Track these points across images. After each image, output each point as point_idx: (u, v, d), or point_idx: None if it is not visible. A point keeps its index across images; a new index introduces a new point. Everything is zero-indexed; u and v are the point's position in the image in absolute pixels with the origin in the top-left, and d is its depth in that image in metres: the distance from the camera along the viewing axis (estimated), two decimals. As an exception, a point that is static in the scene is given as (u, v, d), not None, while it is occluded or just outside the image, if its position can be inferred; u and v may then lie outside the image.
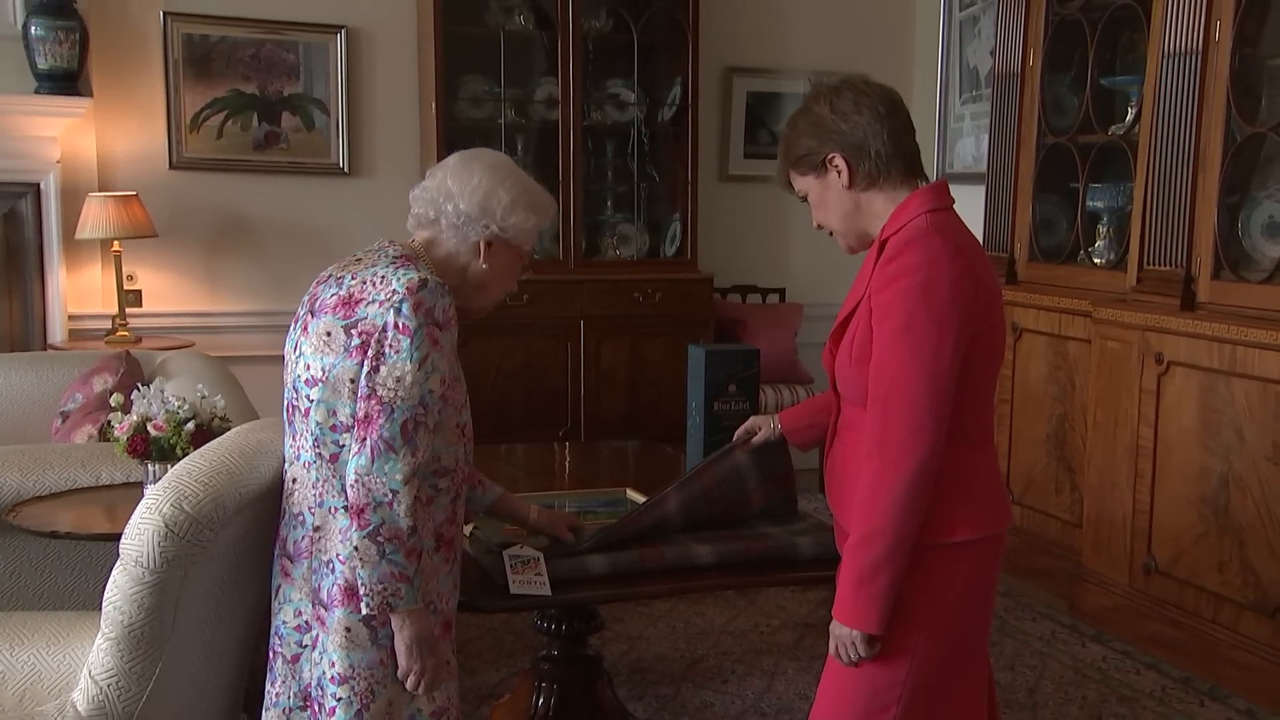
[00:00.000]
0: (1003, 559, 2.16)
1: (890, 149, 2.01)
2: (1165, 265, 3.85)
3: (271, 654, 2.11)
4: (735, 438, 2.61)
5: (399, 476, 1.91)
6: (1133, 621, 3.94)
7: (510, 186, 2.12)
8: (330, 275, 2.07)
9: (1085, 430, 4.21)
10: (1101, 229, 4.45)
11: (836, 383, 2.12)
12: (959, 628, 2.06)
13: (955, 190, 2.07)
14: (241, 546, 2.11)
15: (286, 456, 2.09)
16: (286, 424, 2.08)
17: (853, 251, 2.13)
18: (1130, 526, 3.94)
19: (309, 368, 1.99)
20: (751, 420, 2.61)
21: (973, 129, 5.74)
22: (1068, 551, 4.33)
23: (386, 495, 1.91)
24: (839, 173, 2.03)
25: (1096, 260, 4.43)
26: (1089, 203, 4.46)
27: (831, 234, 2.13)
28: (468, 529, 2.54)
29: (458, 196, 2.09)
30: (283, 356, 2.11)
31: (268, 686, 2.11)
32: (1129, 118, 4.29)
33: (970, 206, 5.43)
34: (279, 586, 2.09)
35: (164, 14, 5.05)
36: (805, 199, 2.11)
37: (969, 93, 5.79)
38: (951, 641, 2.06)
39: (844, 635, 1.99)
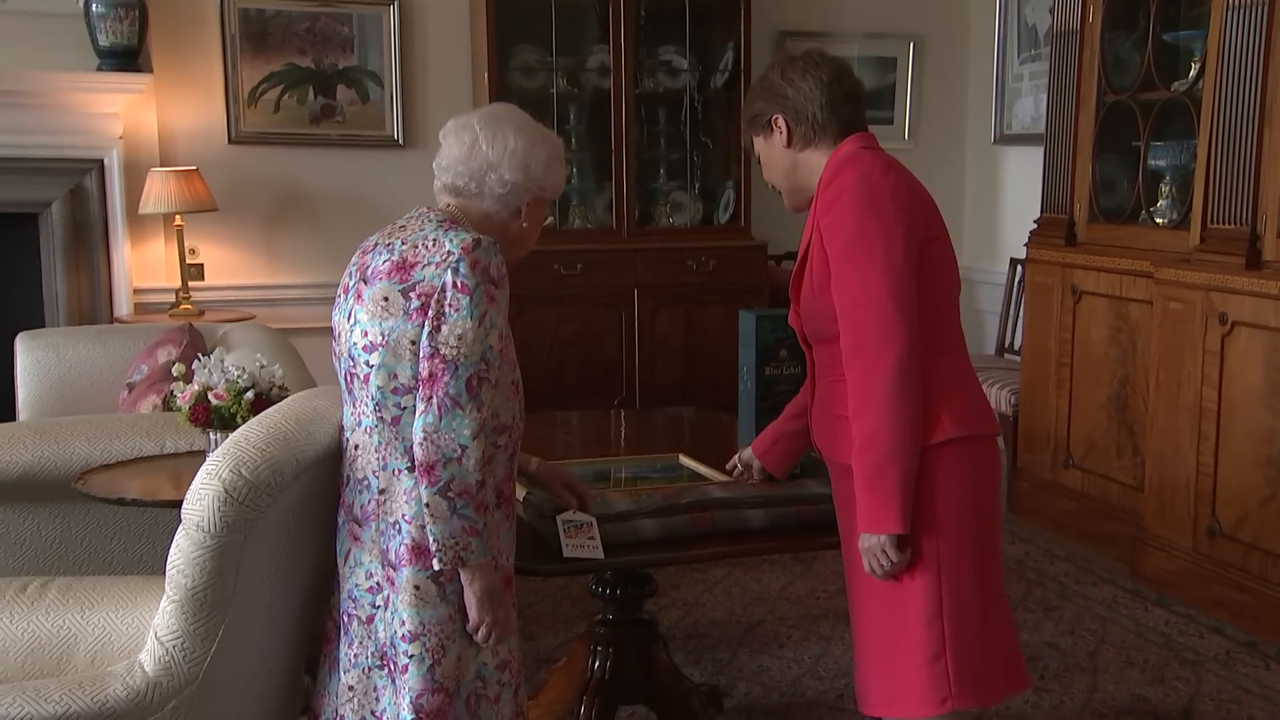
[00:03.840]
0: (1000, 471, 2.28)
1: (826, 114, 2.20)
2: (1230, 224, 3.77)
3: (346, 617, 2.15)
4: (735, 474, 2.68)
5: (467, 431, 1.94)
6: (1196, 585, 3.89)
7: (540, 144, 2.15)
8: (376, 243, 2.09)
9: (1147, 393, 4.15)
10: (1164, 188, 4.36)
11: (806, 332, 2.27)
12: (975, 530, 2.14)
13: (1014, 151, 2.13)
14: (300, 511, 2.15)
15: (346, 424, 2.12)
16: (345, 392, 2.11)
17: (795, 209, 2.32)
18: (1194, 489, 3.89)
19: (366, 334, 2.02)
20: (749, 465, 2.65)
21: (1031, 89, 5.64)
22: (1130, 515, 4.28)
23: (456, 450, 1.94)
24: (780, 133, 2.24)
25: (1159, 220, 4.34)
26: (1151, 161, 4.38)
27: (775, 190, 2.33)
28: (522, 494, 2.57)
29: (500, 166, 2.11)
30: (332, 328, 2.14)
31: (344, 649, 2.16)
32: (1192, 73, 4.19)
33: (1029, 167, 5.39)
34: (349, 551, 2.13)
35: (220, -11, 5.11)
36: (759, 160, 2.31)
37: (1027, 51, 5.69)
38: (972, 545, 2.13)
39: (872, 545, 2.08)
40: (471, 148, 2.12)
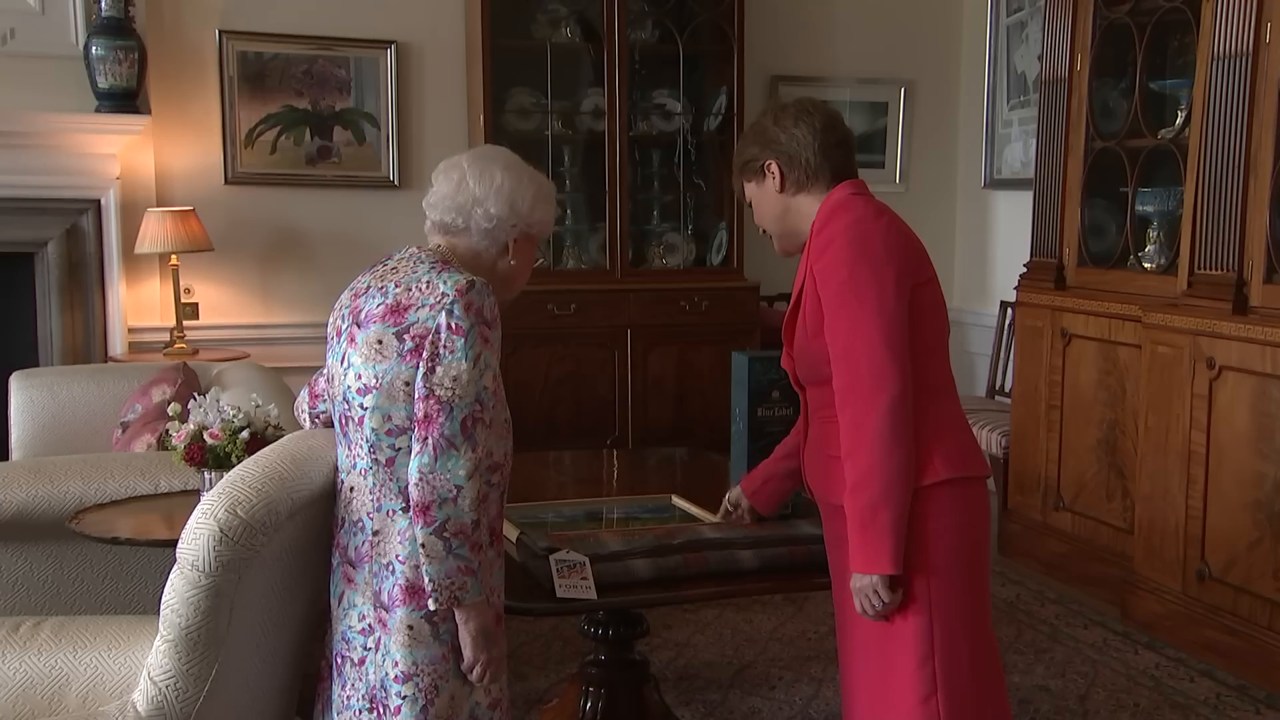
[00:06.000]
0: (990, 513, 2.27)
1: (819, 160, 2.24)
2: (1217, 269, 3.81)
3: (339, 659, 2.16)
4: (724, 516, 2.71)
5: (462, 472, 1.96)
6: (1186, 628, 3.90)
7: (528, 182, 2.19)
8: (369, 286, 2.12)
9: (1136, 436, 4.18)
10: (1151, 233, 4.41)
11: (800, 374, 2.30)
12: (966, 571, 2.15)
13: (1004, 195, 2.13)
14: (294, 551, 2.15)
15: (342, 466, 2.14)
16: (340, 435, 2.13)
17: (785, 254, 2.35)
18: (1183, 532, 3.90)
19: (359, 377, 2.04)
20: (738, 505, 2.68)
21: (1020, 134, 5.71)
22: (1120, 558, 4.29)
23: (451, 491, 1.96)
24: (773, 177, 2.27)
25: (1147, 265, 4.39)
26: (1139, 207, 4.43)
27: (766, 235, 2.36)
28: (514, 535, 2.58)
29: (485, 201, 2.15)
30: (327, 372, 2.17)
31: (336, 690, 2.16)
32: (1179, 121, 4.25)
33: (1019, 212, 5.44)
34: (343, 593, 2.14)
35: (220, 32, 5.16)
36: (749, 205, 2.34)
37: (1016, 98, 5.77)
38: (963, 585, 2.14)
39: (864, 585, 2.09)
40: (459, 185, 2.16)
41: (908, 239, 2.18)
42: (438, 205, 2.18)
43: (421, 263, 2.10)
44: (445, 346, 1.98)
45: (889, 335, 2.06)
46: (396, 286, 2.06)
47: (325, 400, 2.30)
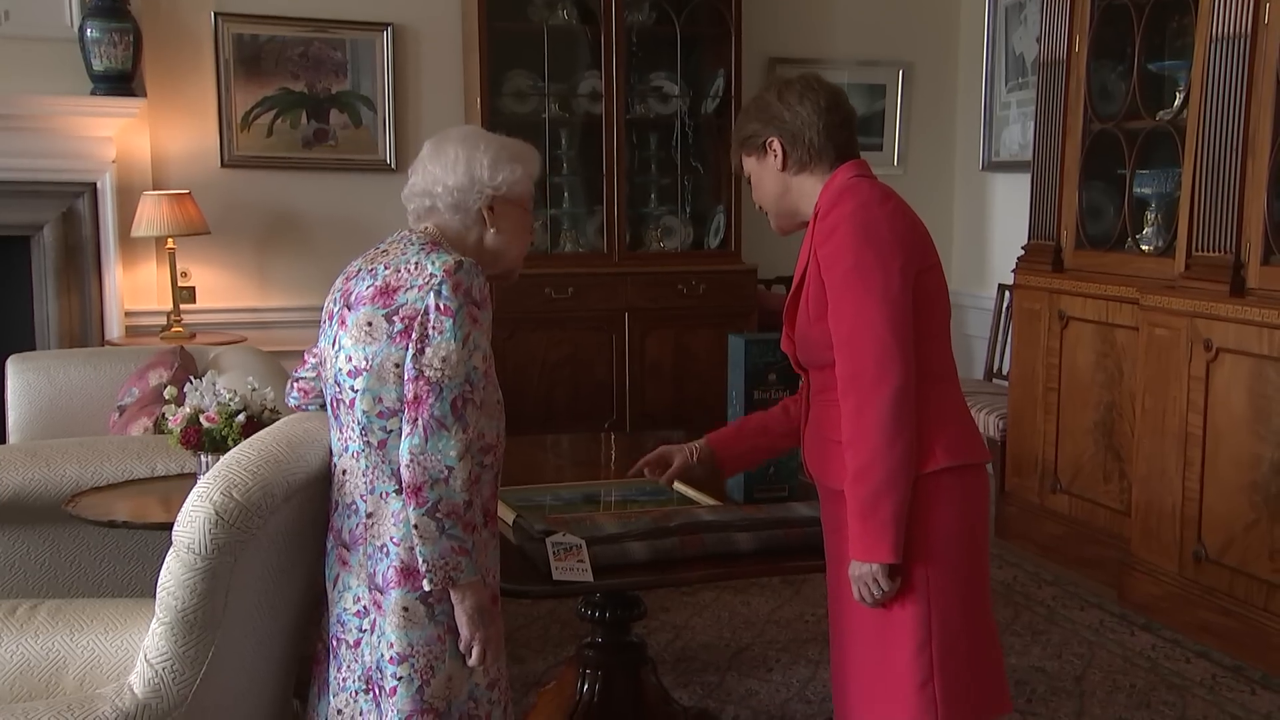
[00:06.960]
0: (989, 497, 2.26)
1: (823, 140, 2.19)
2: (1214, 251, 3.81)
3: (335, 641, 2.16)
4: (633, 472, 2.63)
5: (453, 453, 1.96)
6: (1182, 610, 3.91)
7: (485, 147, 2.18)
8: (360, 269, 2.12)
9: (1133, 418, 4.18)
10: (1149, 215, 4.40)
11: (800, 358, 2.27)
12: (965, 557, 2.15)
13: (1002, 178, 2.11)
14: (290, 533, 2.15)
15: (334, 450, 2.14)
16: (332, 418, 2.13)
17: (782, 232, 2.31)
18: (1180, 514, 3.91)
19: (350, 359, 2.04)
20: (657, 453, 2.59)
21: (1019, 116, 5.70)
22: (1116, 540, 4.30)
23: (442, 472, 1.95)
24: (775, 155, 2.22)
25: (1144, 247, 4.38)
26: (1136, 189, 4.42)
27: (763, 211, 2.31)
28: (511, 518, 2.58)
29: (445, 177, 2.15)
30: (319, 354, 2.18)
31: (333, 673, 2.17)
32: (1177, 103, 4.24)
33: (1016, 194, 5.44)
34: (338, 576, 2.15)
35: (215, 14, 5.14)
36: (748, 180, 2.30)
37: (1015, 80, 5.75)
38: (963, 574, 2.14)
39: (864, 573, 2.08)
40: (422, 171, 2.18)
41: (913, 224, 2.15)
42: (410, 196, 2.21)
43: (411, 245, 2.10)
44: (434, 327, 1.97)
45: (894, 322, 2.03)
46: (386, 268, 2.06)
47: (309, 370, 2.30)
